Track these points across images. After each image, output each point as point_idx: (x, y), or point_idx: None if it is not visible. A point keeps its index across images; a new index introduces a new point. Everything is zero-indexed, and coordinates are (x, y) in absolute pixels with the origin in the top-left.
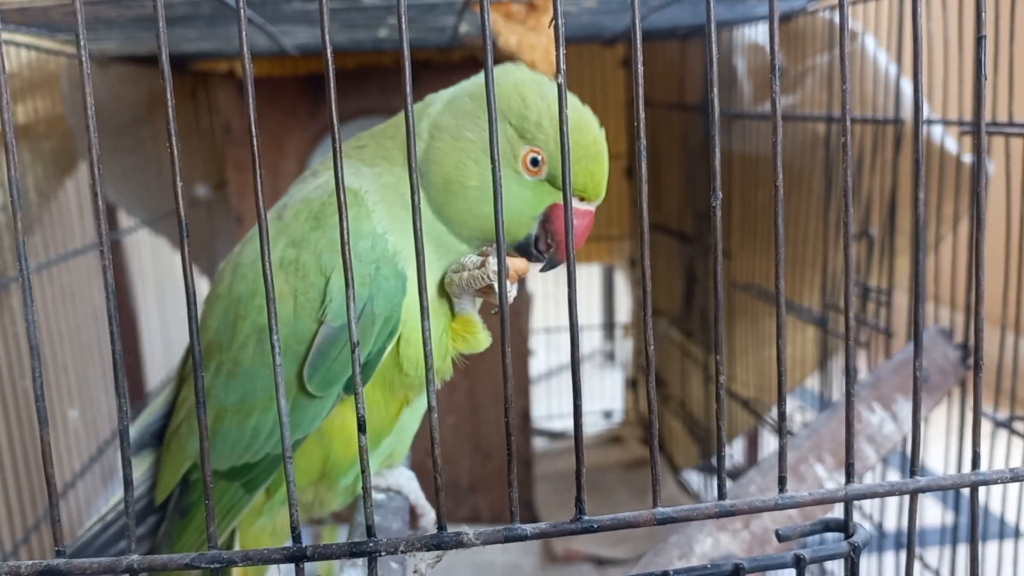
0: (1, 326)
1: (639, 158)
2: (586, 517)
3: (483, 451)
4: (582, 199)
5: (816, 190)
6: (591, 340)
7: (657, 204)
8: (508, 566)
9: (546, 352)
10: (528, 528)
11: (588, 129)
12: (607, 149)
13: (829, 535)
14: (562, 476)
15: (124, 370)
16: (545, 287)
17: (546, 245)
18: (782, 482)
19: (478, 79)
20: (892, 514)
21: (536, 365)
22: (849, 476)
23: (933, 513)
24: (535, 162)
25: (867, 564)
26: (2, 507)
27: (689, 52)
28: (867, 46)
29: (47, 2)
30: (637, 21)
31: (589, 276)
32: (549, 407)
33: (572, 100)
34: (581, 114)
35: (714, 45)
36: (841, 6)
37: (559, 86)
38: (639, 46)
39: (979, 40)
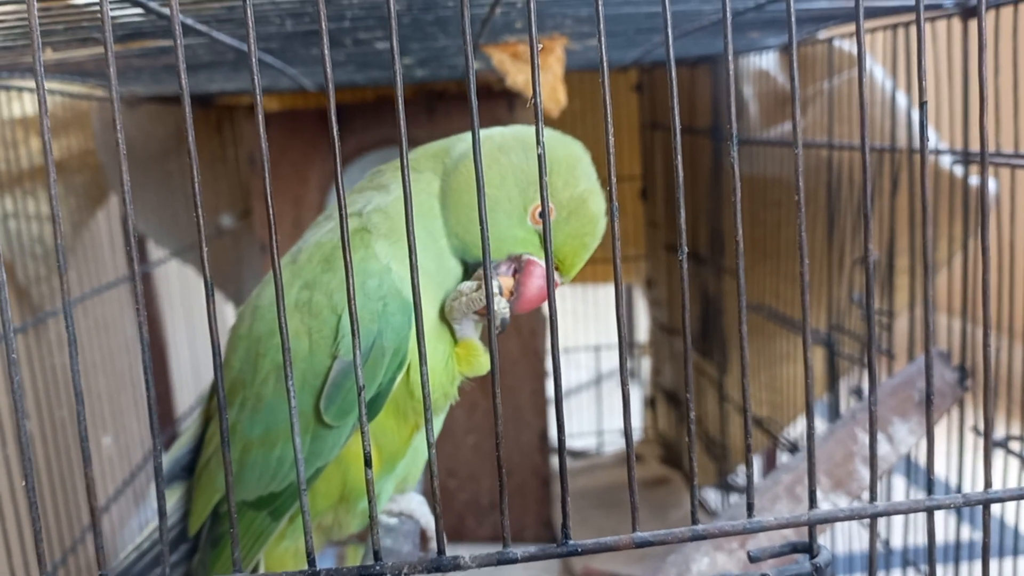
0: (39, 358)
1: (610, 182)
2: (571, 542)
3: (504, 469)
4: (557, 269)
5: (821, 215)
6: (611, 359)
7: (672, 224)
8: None
9: (565, 370)
10: (518, 552)
11: (597, 208)
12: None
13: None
14: (582, 494)
15: (157, 413)
16: (563, 304)
17: (508, 293)
18: (750, 508)
19: (496, 133)
20: (903, 530)
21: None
22: (812, 502)
23: (939, 530)
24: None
25: None
26: (42, 531)
27: (698, 78)
28: (874, 74)
29: (81, 57)
30: (605, 74)
31: (608, 296)
32: (569, 426)
33: (591, 173)
34: (595, 191)
35: (673, 77)
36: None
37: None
38: (607, 81)
39: (922, 106)
